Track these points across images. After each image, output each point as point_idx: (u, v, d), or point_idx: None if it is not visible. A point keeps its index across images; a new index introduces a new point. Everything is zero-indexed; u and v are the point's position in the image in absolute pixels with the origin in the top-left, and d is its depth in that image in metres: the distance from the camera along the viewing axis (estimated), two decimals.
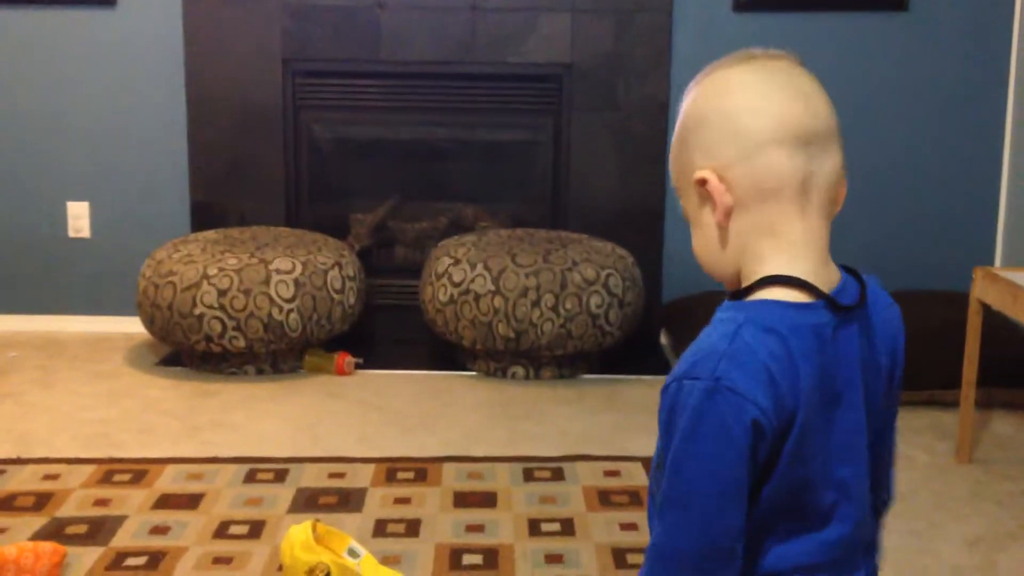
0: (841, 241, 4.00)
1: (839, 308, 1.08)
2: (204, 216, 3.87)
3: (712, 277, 1.16)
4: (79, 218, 3.94)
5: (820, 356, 1.05)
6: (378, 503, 2.52)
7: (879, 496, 1.20)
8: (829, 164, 1.09)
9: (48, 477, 2.62)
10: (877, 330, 1.17)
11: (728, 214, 1.07)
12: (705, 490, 1.04)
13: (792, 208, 1.06)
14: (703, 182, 1.07)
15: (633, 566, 2.22)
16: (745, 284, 1.09)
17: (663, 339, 3.89)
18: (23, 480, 2.60)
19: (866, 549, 1.15)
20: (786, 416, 1.02)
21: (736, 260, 1.10)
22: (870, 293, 1.16)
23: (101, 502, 2.48)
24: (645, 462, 2.75)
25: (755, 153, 1.05)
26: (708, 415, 1.03)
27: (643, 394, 3.36)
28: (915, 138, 3.86)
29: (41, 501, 2.48)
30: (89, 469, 2.67)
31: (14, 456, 2.75)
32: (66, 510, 2.44)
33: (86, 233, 3.95)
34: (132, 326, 3.80)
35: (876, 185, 3.88)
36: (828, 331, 1.07)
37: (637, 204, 3.85)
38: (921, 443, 2.97)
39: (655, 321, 3.83)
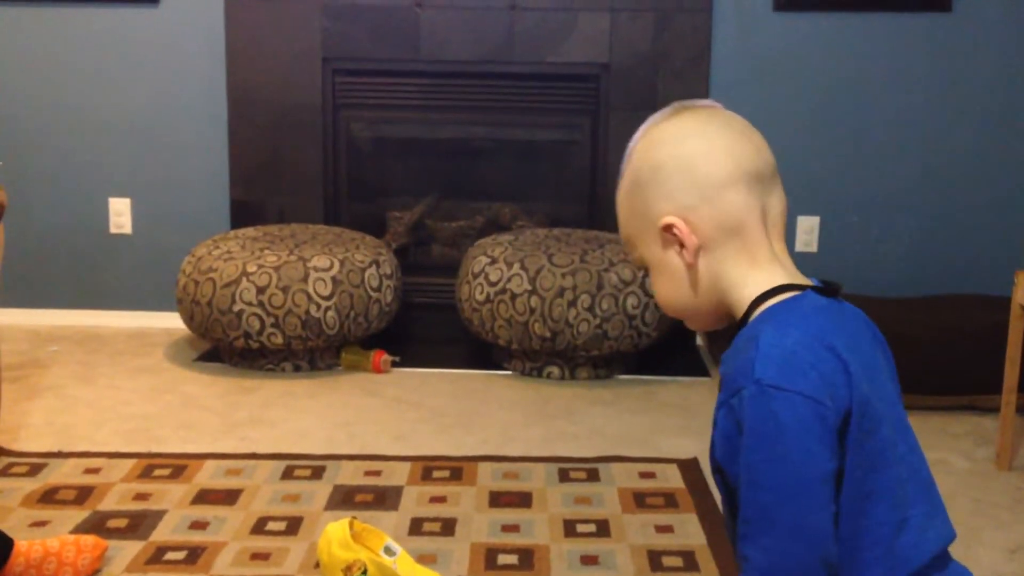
0: (883, 243, 3.99)
1: (827, 292, 1.15)
2: (243, 213, 3.91)
3: (683, 320, 1.24)
4: (121, 214, 3.99)
5: (841, 330, 1.11)
6: (414, 501, 2.53)
7: None
8: (776, 195, 1.17)
9: (89, 471, 2.66)
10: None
11: (696, 253, 1.15)
12: (792, 495, 1.05)
13: (758, 237, 1.15)
14: (669, 227, 1.16)
15: (669, 569, 2.22)
16: (739, 314, 1.16)
17: (699, 340, 3.88)
18: (65, 474, 2.64)
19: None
20: (843, 400, 1.06)
21: (712, 295, 1.18)
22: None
23: (141, 496, 2.51)
24: (681, 464, 2.75)
25: (716, 195, 1.14)
26: (771, 418, 1.05)
27: (679, 395, 3.35)
28: (958, 140, 3.82)
29: (83, 495, 2.51)
30: (130, 463, 2.70)
31: (56, 450, 2.79)
32: (107, 504, 2.47)
33: (127, 229, 4.00)
34: (172, 321, 3.84)
35: (918, 187, 3.84)
36: (834, 307, 1.14)
37: None
38: (960, 448, 2.95)
39: None
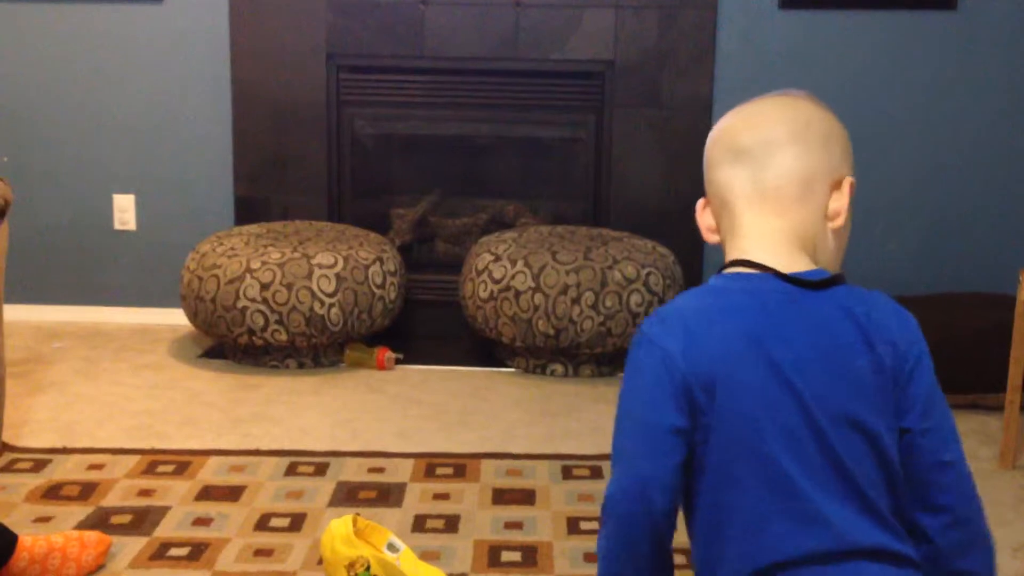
0: (887, 241, 3.98)
1: (791, 281, 1.18)
2: (247, 210, 3.91)
3: None
4: (125, 211, 3.99)
5: (750, 316, 1.15)
6: (417, 498, 2.53)
7: (920, 518, 1.18)
8: (774, 168, 1.21)
9: (93, 467, 2.66)
10: (871, 327, 1.19)
11: (714, 231, 1.28)
12: (629, 429, 1.17)
13: (743, 209, 1.22)
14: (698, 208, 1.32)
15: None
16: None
17: None
18: (68, 470, 2.64)
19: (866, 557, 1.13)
20: (704, 363, 1.13)
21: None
22: (868, 296, 1.22)
23: (145, 492, 2.52)
24: None
25: (709, 173, 1.27)
26: (631, 362, 1.19)
27: None
28: (963, 138, 3.82)
29: (86, 491, 2.52)
30: (133, 459, 2.71)
31: (60, 446, 2.80)
32: (111, 500, 2.47)
33: (132, 226, 4.00)
34: (176, 318, 3.84)
35: (922, 186, 3.84)
36: (772, 297, 1.17)
37: (679, 202, 3.83)
38: (964, 447, 2.93)
39: None
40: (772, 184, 1.20)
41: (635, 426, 1.16)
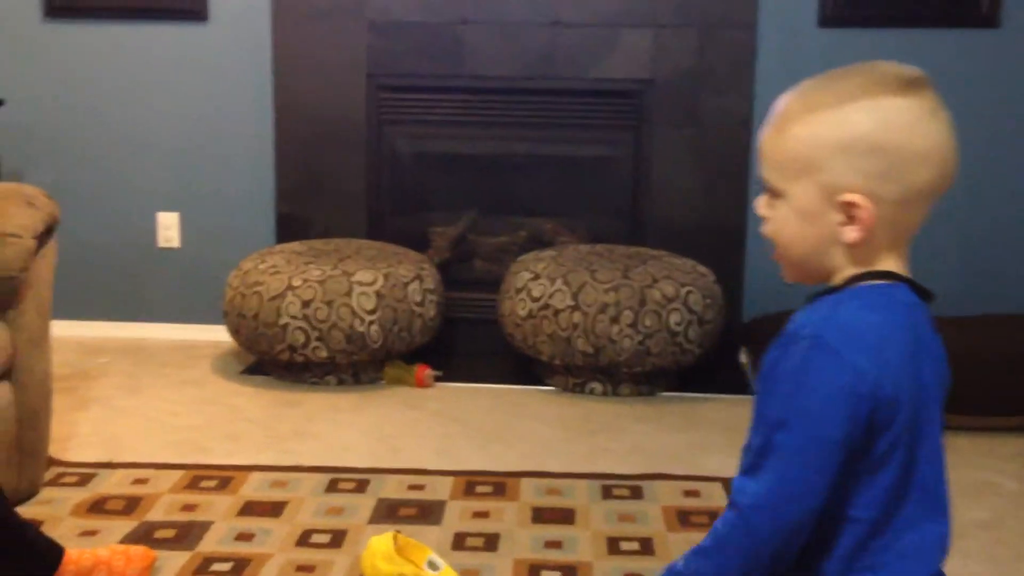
0: (930, 261, 3.93)
1: (920, 289, 1.17)
2: (289, 227, 3.95)
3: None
4: (169, 228, 4.05)
5: (909, 333, 1.13)
6: (457, 516, 2.54)
7: None
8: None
9: (137, 481, 2.69)
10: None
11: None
12: (793, 440, 1.11)
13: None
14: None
15: None
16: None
17: (743, 357, 3.86)
18: (113, 484, 2.67)
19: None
20: (889, 382, 1.09)
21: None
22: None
23: (188, 507, 2.55)
24: (725, 482, 2.74)
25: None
26: (803, 369, 1.10)
27: (722, 413, 3.33)
28: (1005, 157, 3.78)
29: (131, 505, 2.55)
30: (177, 474, 2.74)
31: (105, 460, 2.83)
32: (155, 514, 2.50)
33: (176, 243, 4.05)
34: (218, 334, 3.88)
35: (962, 207, 3.80)
36: (916, 312, 1.16)
37: (718, 220, 3.83)
38: (1009, 470, 2.91)
39: (735, 339, 3.80)
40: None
41: (802, 437, 1.11)
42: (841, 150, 1.12)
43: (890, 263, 1.16)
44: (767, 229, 1.21)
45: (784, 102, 1.20)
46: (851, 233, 1.13)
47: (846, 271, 1.17)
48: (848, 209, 1.13)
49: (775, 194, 1.19)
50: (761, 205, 1.21)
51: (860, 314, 1.13)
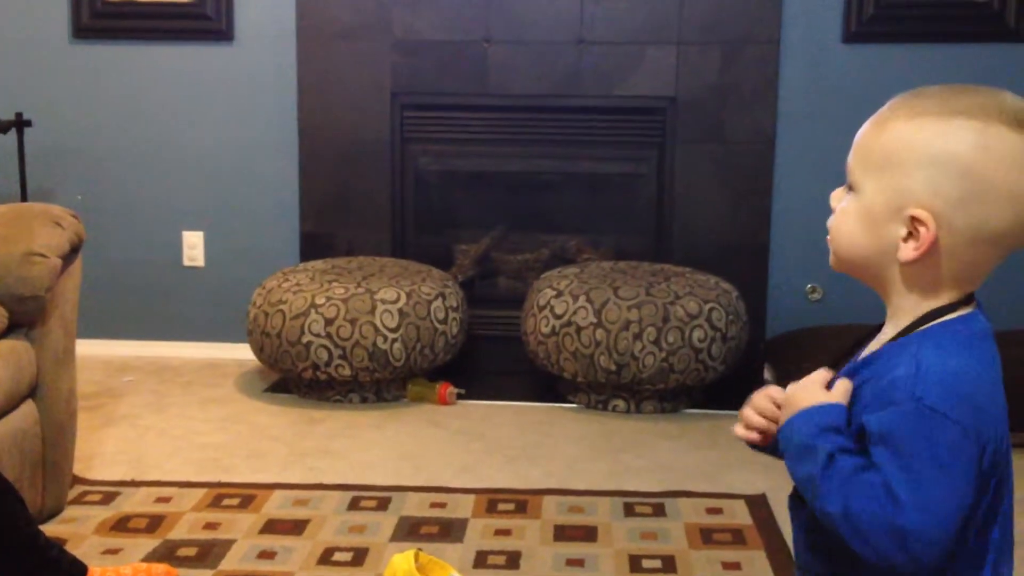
0: None
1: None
2: (313, 246, 3.96)
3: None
4: (194, 247, 4.07)
5: (999, 370, 1.10)
6: (479, 534, 2.53)
7: None
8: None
9: (161, 499, 2.70)
10: None
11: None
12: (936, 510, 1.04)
13: None
14: None
15: None
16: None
17: (767, 374, 3.83)
18: (137, 502, 2.68)
19: None
20: (1002, 432, 1.08)
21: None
22: None
23: (211, 525, 2.55)
24: (748, 500, 2.71)
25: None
26: (927, 440, 1.04)
27: None
28: None
29: (153, 523, 2.56)
30: (200, 492, 2.74)
31: (129, 478, 2.84)
32: (177, 533, 2.51)
33: (200, 262, 4.08)
34: (242, 353, 3.89)
35: None
36: (995, 344, 1.13)
37: (742, 237, 3.81)
38: None
39: (759, 356, 3.77)
40: None
41: (949, 491, 1.04)
42: (930, 161, 1.06)
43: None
44: (830, 221, 1.16)
45: (894, 101, 1.12)
46: (907, 251, 1.08)
47: (912, 298, 1.12)
48: (912, 225, 1.07)
49: (851, 187, 1.13)
50: (835, 196, 1.16)
51: (966, 364, 1.07)
